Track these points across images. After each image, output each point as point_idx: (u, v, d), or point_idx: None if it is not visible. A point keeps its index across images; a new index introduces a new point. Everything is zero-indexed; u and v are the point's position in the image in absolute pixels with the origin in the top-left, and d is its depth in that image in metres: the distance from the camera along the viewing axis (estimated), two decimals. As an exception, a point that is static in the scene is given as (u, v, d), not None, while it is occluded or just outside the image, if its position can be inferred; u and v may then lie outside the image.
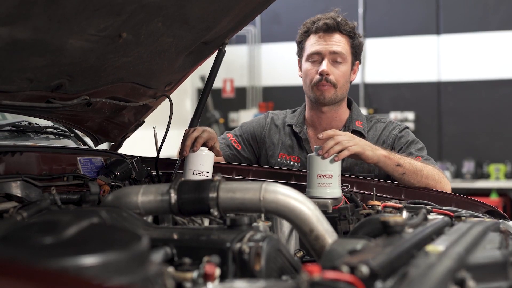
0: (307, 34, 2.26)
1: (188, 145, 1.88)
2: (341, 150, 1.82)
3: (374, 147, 1.94)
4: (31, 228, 0.95)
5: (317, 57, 2.22)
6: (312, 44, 2.23)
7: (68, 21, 1.32)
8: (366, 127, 2.28)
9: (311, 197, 1.63)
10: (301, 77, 2.32)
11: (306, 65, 2.26)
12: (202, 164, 1.86)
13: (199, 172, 1.85)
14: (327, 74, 2.19)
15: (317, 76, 2.21)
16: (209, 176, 1.87)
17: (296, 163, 2.29)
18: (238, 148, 2.35)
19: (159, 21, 1.54)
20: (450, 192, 2.02)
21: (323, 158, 1.78)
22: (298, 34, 2.30)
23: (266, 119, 2.42)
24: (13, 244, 0.87)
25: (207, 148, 1.91)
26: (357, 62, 2.31)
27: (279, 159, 2.31)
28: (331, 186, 1.76)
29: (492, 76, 6.82)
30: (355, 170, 2.20)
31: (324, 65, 2.19)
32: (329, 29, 2.21)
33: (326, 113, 2.28)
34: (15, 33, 1.26)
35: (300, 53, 2.31)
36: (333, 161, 1.78)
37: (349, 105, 2.36)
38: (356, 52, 2.28)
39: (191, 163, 1.86)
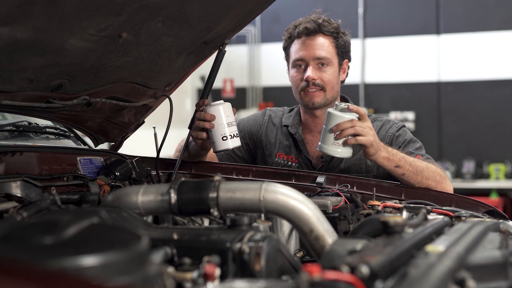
0: (290, 39, 2.24)
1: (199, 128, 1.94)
2: (353, 135, 1.86)
3: (379, 147, 1.91)
4: (31, 228, 0.94)
5: (301, 63, 2.20)
6: (296, 50, 2.21)
7: (68, 21, 1.32)
8: None
9: (323, 152, 1.91)
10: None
11: (292, 71, 2.24)
12: (229, 115, 1.92)
13: (230, 123, 1.91)
14: (313, 79, 2.17)
15: (303, 83, 2.19)
16: (235, 124, 1.94)
17: (293, 163, 2.27)
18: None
19: (159, 21, 1.54)
20: (452, 193, 2.02)
21: (336, 138, 1.87)
22: (283, 40, 2.28)
23: (264, 117, 2.40)
24: (13, 244, 0.87)
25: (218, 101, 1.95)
26: (346, 60, 2.27)
27: (276, 159, 2.30)
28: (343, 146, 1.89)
29: (492, 76, 6.81)
30: (353, 170, 2.19)
31: (309, 71, 2.17)
32: (310, 32, 2.18)
33: (320, 117, 2.24)
34: (15, 33, 1.25)
35: (287, 59, 2.29)
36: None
37: None
38: (342, 52, 2.24)
39: (219, 119, 1.90)
